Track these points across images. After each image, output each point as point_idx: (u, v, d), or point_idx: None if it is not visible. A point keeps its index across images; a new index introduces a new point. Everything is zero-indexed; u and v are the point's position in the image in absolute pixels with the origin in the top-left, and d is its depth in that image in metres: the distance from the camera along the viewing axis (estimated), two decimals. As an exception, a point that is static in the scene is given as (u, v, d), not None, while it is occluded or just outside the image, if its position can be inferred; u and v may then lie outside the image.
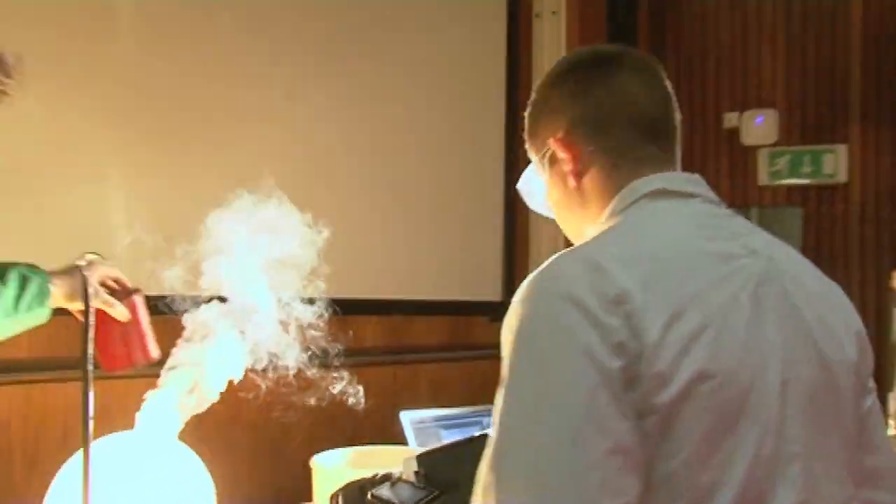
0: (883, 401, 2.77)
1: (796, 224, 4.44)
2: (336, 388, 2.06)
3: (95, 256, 1.68)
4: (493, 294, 3.73)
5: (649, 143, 1.28)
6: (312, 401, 2.01)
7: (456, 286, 3.64)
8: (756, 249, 1.19)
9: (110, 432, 1.78)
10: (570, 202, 1.33)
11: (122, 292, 1.75)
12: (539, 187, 1.42)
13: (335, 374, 2.07)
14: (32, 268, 1.67)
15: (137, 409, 1.82)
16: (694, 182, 1.28)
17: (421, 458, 1.37)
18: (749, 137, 4.48)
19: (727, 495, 1.05)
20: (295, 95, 2.97)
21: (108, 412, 1.79)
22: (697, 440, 1.05)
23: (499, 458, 1.04)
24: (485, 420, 2.60)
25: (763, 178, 4.50)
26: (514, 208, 3.80)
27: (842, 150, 4.41)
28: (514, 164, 3.83)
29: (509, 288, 3.71)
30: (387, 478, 1.42)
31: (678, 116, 1.35)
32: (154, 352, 1.78)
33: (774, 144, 4.47)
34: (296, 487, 2.09)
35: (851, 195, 4.52)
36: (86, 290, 1.61)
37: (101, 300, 1.69)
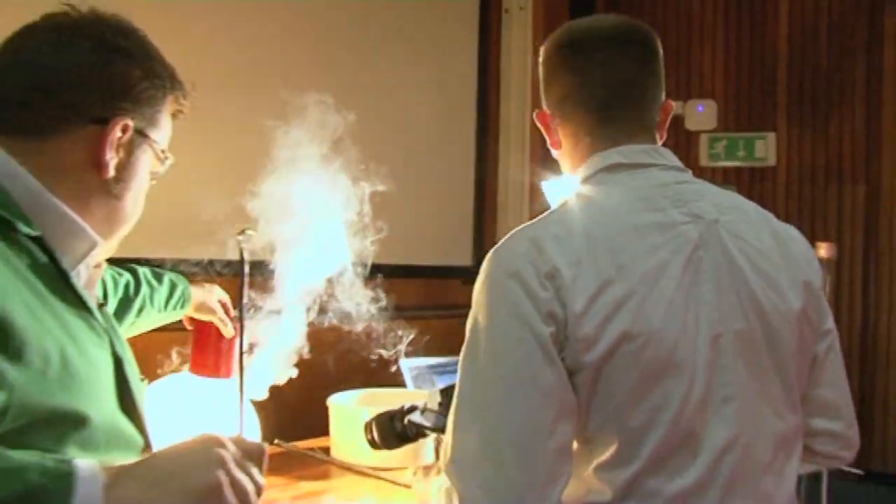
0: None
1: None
2: (343, 342, 2.39)
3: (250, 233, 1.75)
4: (464, 259, 4.04)
5: (607, 120, 1.35)
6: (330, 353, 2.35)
7: (431, 252, 3.93)
8: (700, 214, 1.28)
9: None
10: (561, 162, 1.46)
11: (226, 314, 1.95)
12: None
13: (346, 329, 2.39)
14: (179, 276, 1.89)
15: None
16: (650, 152, 1.33)
17: (443, 392, 1.71)
18: (692, 123, 4.88)
19: (657, 433, 1.18)
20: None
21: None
22: (626, 391, 1.17)
23: (456, 407, 1.21)
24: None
25: (704, 160, 4.91)
26: (484, 183, 4.13)
27: (771, 136, 4.86)
28: (484, 143, 4.16)
29: (479, 254, 4.01)
30: (412, 409, 1.73)
31: (655, 89, 1.40)
32: (234, 373, 1.91)
33: (713, 130, 4.85)
34: (318, 424, 2.43)
35: (778, 176, 4.97)
36: (242, 289, 1.62)
37: (219, 317, 1.92)
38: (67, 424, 0.99)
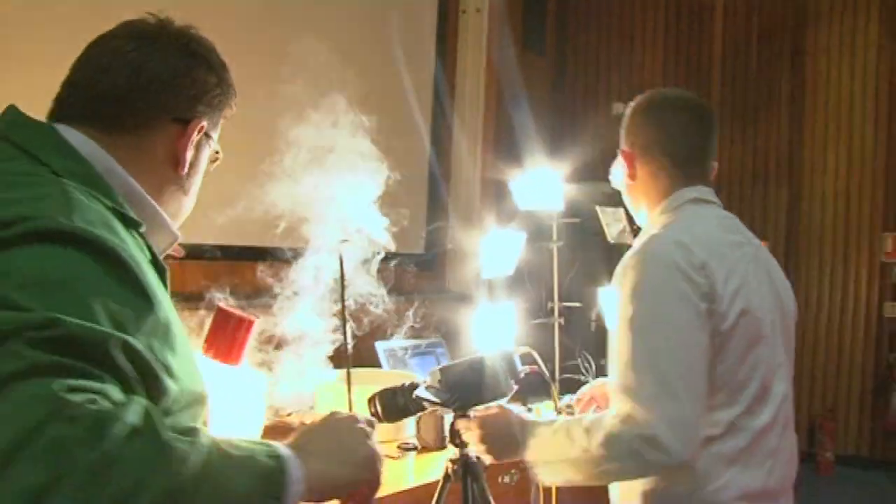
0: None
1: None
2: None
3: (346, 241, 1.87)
4: (418, 248, 4.20)
5: (683, 167, 1.75)
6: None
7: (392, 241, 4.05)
8: (750, 240, 1.74)
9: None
10: (630, 191, 1.83)
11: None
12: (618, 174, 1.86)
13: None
14: None
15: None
16: (712, 194, 1.78)
17: (442, 371, 1.87)
18: (631, 123, 5.12)
19: (753, 387, 1.60)
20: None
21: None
22: (737, 354, 1.58)
23: (630, 367, 1.51)
24: (438, 349, 3.13)
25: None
26: (437, 181, 4.29)
27: (704, 138, 5.09)
28: (438, 143, 4.31)
29: (430, 244, 4.21)
30: (413, 386, 1.91)
31: (714, 152, 1.83)
32: (242, 363, 2.03)
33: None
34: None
35: (708, 178, 5.27)
36: (342, 292, 1.82)
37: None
38: (199, 404, 1.08)
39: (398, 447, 2.46)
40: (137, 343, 0.90)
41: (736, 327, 1.58)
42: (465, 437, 1.74)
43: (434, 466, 2.33)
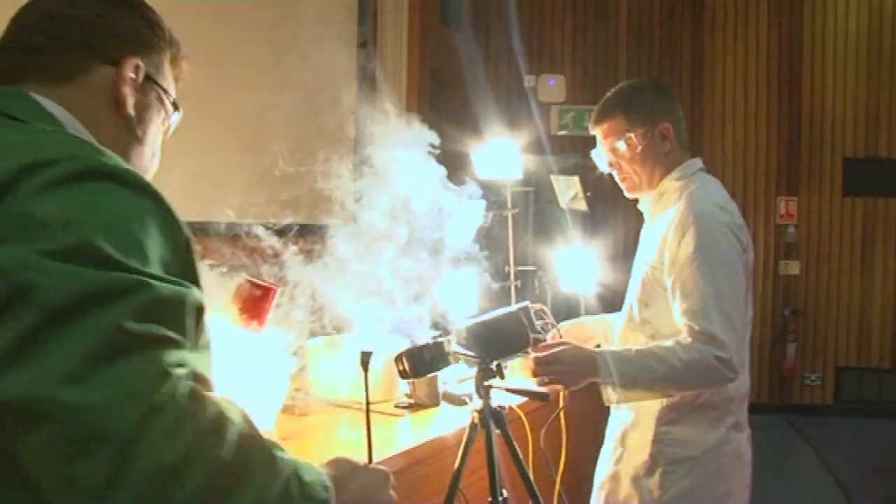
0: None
1: (578, 169, 5.33)
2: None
3: None
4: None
5: (684, 139, 2.09)
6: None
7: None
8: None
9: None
10: (658, 161, 2.03)
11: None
12: (602, 157, 2.10)
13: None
14: None
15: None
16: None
17: (467, 329, 1.96)
18: (544, 96, 5.31)
19: (749, 312, 1.99)
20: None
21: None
22: (749, 288, 1.97)
23: (705, 302, 1.82)
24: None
25: (554, 129, 5.36)
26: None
27: (613, 110, 5.30)
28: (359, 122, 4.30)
29: None
30: (438, 343, 1.99)
31: None
32: (264, 328, 2.10)
33: (563, 103, 5.30)
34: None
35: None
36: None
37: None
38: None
39: (395, 406, 2.52)
40: (202, 299, 0.93)
41: (748, 270, 1.97)
42: (525, 374, 1.96)
43: (430, 424, 2.40)
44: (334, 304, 2.82)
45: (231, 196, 2.79)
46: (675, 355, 1.81)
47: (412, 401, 2.55)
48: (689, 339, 1.82)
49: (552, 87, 5.31)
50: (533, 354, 1.93)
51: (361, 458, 1.25)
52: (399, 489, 2.11)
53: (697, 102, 5.41)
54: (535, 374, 1.94)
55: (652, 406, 1.99)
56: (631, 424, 2.05)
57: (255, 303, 2.06)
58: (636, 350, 1.89)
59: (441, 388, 2.54)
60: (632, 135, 1.99)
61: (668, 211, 1.97)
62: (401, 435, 2.31)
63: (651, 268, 1.96)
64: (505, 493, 2.05)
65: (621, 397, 1.92)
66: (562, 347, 1.93)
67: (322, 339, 2.66)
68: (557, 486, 2.16)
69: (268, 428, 2.15)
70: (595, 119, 2.07)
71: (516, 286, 3.22)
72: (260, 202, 2.65)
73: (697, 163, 2.07)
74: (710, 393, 1.93)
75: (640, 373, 1.85)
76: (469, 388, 2.53)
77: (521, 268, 3.22)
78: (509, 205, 3.18)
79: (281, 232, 2.60)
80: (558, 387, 1.97)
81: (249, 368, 2.04)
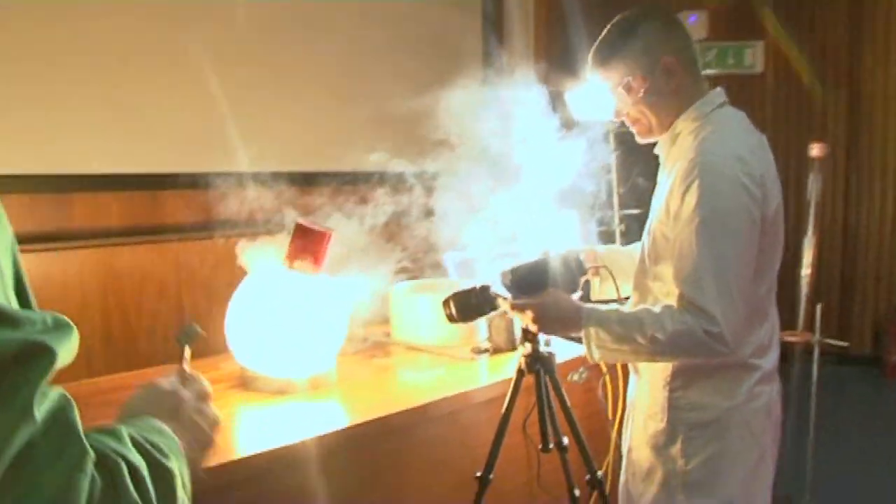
0: (799, 245, 3.45)
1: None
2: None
3: None
4: None
5: (697, 71, 1.78)
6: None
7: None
8: (760, 135, 1.76)
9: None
10: (667, 101, 1.76)
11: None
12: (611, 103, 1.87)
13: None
14: None
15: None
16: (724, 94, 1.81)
17: (513, 271, 1.91)
18: (684, 34, 4.98)
19: (773, 267, 1.75)
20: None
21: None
22: (769, 243, 1.70)
23: (699, 266, 1.60)
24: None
25: (695, 69, 5.04)
26: None
27: (759, 45, 4.96)
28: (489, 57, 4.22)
29: None
30: (485, 288, 1.95)
31: None
32: (322, 270, 2.15)
33: (705, 40, 4.97)
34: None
35: (767, 83, 5.13)
36: None
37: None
38: None
39: (472, 350, 2.50)
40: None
41: (772, 223, 1.70)
42: (521, 318, 1.84)
43: (506, 366, 2.37)
44: (433, 248, 2.85)
45: (340, 146, 2.84)
46: (661, 325, 1.62)
47: (490, 345, 2.52)
48: (678, 308, 1.63)
49: (693, 23, 4.97)
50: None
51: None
52: (462, 429, 2.15)
53: (856, 33, 4.90)
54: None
55: (658, 370, 1.81)
56: (641, 390, 1.89)
57: (309, 247, 2.09)
58: (622, 314, 1.71)
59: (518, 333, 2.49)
60: (630, 79, 1.76)
61: (680, 160, 1.73)
62: (472, 376, 2.30)
63: (659, 222, 1.75)
64: (566, 440, 2.00)
65: (604, 357, 1.76)
66: (541, 298, 1.81)
67: (407, 284, 2.67)
68: (614, 437, 2.07)
69: (329, 367, 2.18)
70: (591, 64, 1.84)
71: (621, 230, 3.08)
72: (365, 150, 2.66)
73: (716, 97, 1.77)
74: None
75: (622, 340, 1.68)
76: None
77: (625, 211, 3.08)
78: (612, 146, 3.04)
79: (387, 179, 2.64)
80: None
81: (307, 311, 2.08)
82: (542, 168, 2.96)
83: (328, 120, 3.38)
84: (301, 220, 2.12)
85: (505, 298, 1.88)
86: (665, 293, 1.74)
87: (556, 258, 1.90)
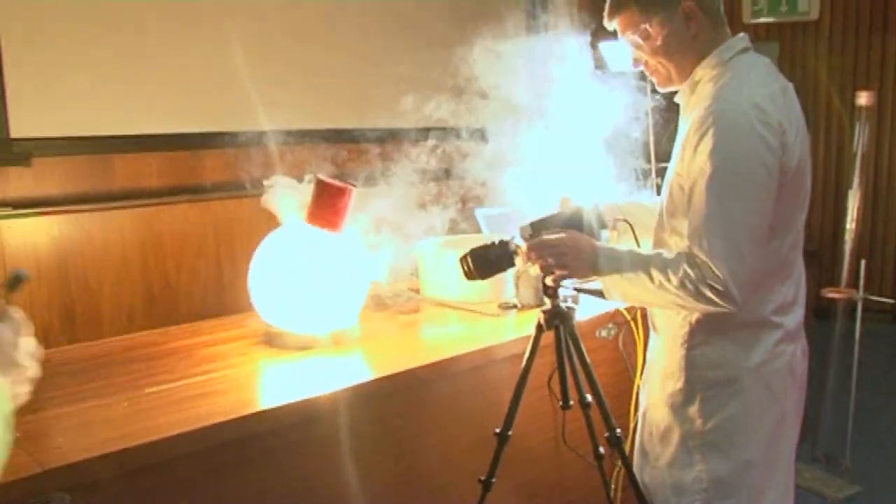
0: (845, 196, 3.32)
1: (774, 56, 4.84)
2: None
3: None
4: None
5: (718, 16, 1.70)
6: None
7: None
8: (785, 81, 1.67)
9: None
10: (686, 48, 1.68)
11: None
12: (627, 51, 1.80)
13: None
14: None
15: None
16: (747, 39, 1.72)
17: (533, 224, 1.87)
18: (736, -20, 4.80)
19: (798, 221, 1.68)
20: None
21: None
22: (792, 195, 1.62)
23: (708, 218, 1.54)
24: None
25: (746, 17, 4.88)
26: None
27: (815, -10, 4.74)
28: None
29: None
30: (504, 243, 1.92)
31: None
32: (342, 228, 2.13)
33: (757, -14, 4.79)
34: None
35: (821, 29, 4.92)
36: None
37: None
38: None
39: (499, 306, 2.48)
40: None
41: (795, 175, 1.62)
42: (533, 258, 1.80)
43: (533, 322, 2.33)
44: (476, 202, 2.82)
45: (381, 102, 2.83)
46: (668, 274, 1.59)
47: (518, 301, 2.49)
48: (686, 260, 1.58)
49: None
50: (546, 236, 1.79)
51: None
52: (485, 385, 2.14)
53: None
54: (529, 259, 1.81)
55: (674, 325, 1.76)
56: (659, 348, 1.84)
57: (330, 202, 2.08)
58: (634, 256, 1.67)
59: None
60: (647, 26, 1.68)
61: (698, 108, 1.64)
62: (496, 332, 2.28)
63: (675, 173, 1.68)
64: (589, 397, 1.97)
65: (619, 297, 1.73)
66: (562, 235, 1.77)
67: (435, 239, 2.65)
68: (634, 395, 2.03)
69: (352, 323, 2.19)
70: (607, 13, 1.76)
71: (657, 183, 3.01)
72: (407, 105, 2.64)
73: (739, 42, 1.68)
74: (751, 305, 1.63)
75: (633, 282, 1.65)
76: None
77: (664, 164, 2.99)
78: (648, 96, 2.95)
79: (429, 135, 2.63)
80: (562, 273, 1.78)
81: (329, 267, 2.08)
82: (579, 119, 2.92)
83: (368, 76, 3.37)
84: (321, 176, 2.11)
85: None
86: (682, 248, 1.69)
87: (577, 211, 1.87)
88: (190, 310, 2.94)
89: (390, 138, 3.13)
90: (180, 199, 3.00)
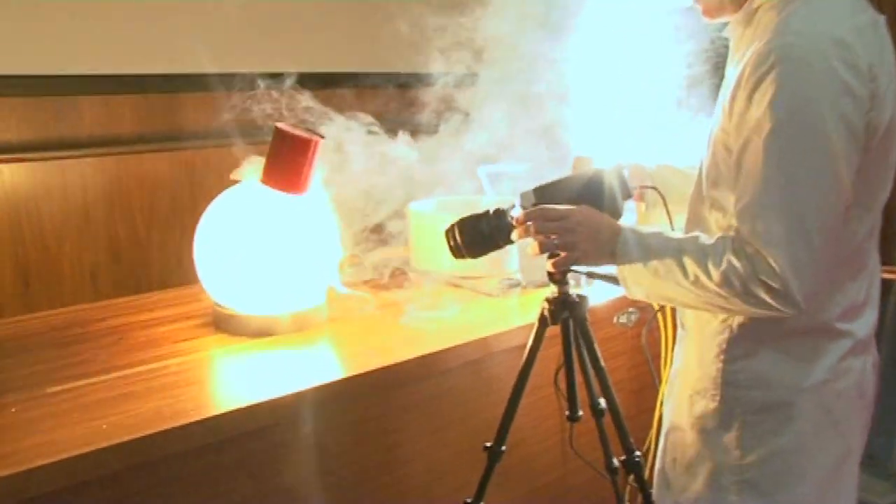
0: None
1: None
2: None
3: None
4: None
5: None
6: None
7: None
8: (875, 13, 1.24)
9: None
10: None
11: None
12: None
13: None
14: None
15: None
16: None
17: (537, 191, 1.46)
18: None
19: (881, 196, 1.26)
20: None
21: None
22: (878, 164, 1.21)
23: (763, 191, 1.15)
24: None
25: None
26: None
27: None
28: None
29: None
30: (500, 211, 1.51)
31: None
32: (307, 190, 1.74)
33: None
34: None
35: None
36: None
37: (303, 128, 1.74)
38: None
39: (500, 283, 2.07)
40: None
41: (885, 135, 1.20)
42: (530, 232, 1.40)
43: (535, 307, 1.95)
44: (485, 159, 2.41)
45: (383, 43, 2.44)
46: (707, 266, 1.18)
47: (520, 279, 2.09)
48: (733, 247, 1.18)
49: None
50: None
51: None
52: (482, 382, 1.76)
53: None
54: (524, 231, 1.41)
55: (710, 328, 1.35)
56: (689, 353, 1.42)
57: (291, 157, 1.68)
58: (664, 240, 1.26)
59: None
60: None
61: (755, 45, 1.21)
62: (497, 317, 1.89)
63: (721, 130, 1.25)
64: (602, 402, 1.58)
65: (643, 295, 1.33)
66: (570, 207, 1.37)
67: (428, 201, 2.25)
68: (658, 409, 1.63)
69: (318, 302, 1.80)
70: None
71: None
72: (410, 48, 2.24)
73: None
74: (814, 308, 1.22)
75: (660, 275, 1.24)
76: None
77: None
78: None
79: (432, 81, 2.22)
80: (567, 256, 1.36)
81: (292, 237, 1.69)
82: (620, 61, 2.49)
83: (367, 15, 2.97)
84: (281, 125, 1.70)
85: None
86: (725, 228, 1.28)
87: (596, 175, 1.46)
88: (165, 274, 2.58)
89: (402, 83, 2.75)
90: (154, 147, 2.63)
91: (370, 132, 1.98)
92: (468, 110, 2.17)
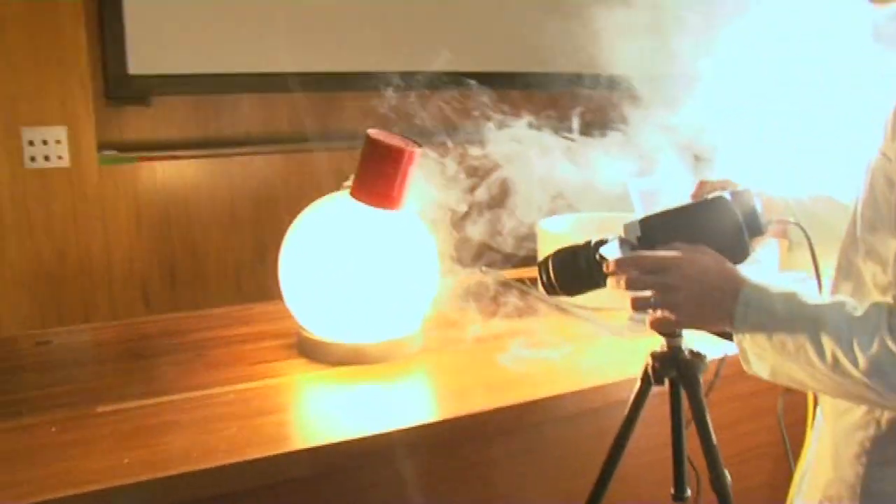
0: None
1: None
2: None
3: None
4: None
5: None
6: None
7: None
8: None
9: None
10: None
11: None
12: None
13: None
14: None
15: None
16: None
17: (643, 223, 1.19)
18: None
19: None
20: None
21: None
22: None
23: None
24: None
25: None
26: None
27: None
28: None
29: None
30: (601, 243, 1.26)
31: None
32: (402, 205, 1.56)
33: None
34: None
35: None
36: None
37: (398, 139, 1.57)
38: None
39: (630, 319, 1.78)
40: None
41: None
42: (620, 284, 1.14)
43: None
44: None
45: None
46: (853, 348, 0.88)
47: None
48: (888, 318, 0.87)
49: None
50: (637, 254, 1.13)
51: None
52: (599, 434, 1.49)
53: None
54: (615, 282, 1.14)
55: (850, 419, 1.04)
56: (823, 447, 1.09)
57: (383, 170, 1.51)
58: (796, 303, 0.96)
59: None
60: None
61: None
62: (622, 359, 1.62)
63: (882, 155, 0.94)
64: (689, 491, 1.28)
65: (765, 372, 1.02)
66: (676, 253, 1.08)
67: (562, 217, 1.99)
68: (794, 486, 1.28)
69: (411, 331, 1.61)
70: None
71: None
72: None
73: None
74: None
75: (787, 352, 0.95)
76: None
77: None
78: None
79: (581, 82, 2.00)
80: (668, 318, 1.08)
81: (383, 259, 1.52)
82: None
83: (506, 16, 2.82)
84: (373, 131, 1.52)
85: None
86: (884, 287, 0.95)
87: (717, 204, 1.16)
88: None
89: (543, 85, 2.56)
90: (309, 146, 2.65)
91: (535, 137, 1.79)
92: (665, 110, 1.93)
